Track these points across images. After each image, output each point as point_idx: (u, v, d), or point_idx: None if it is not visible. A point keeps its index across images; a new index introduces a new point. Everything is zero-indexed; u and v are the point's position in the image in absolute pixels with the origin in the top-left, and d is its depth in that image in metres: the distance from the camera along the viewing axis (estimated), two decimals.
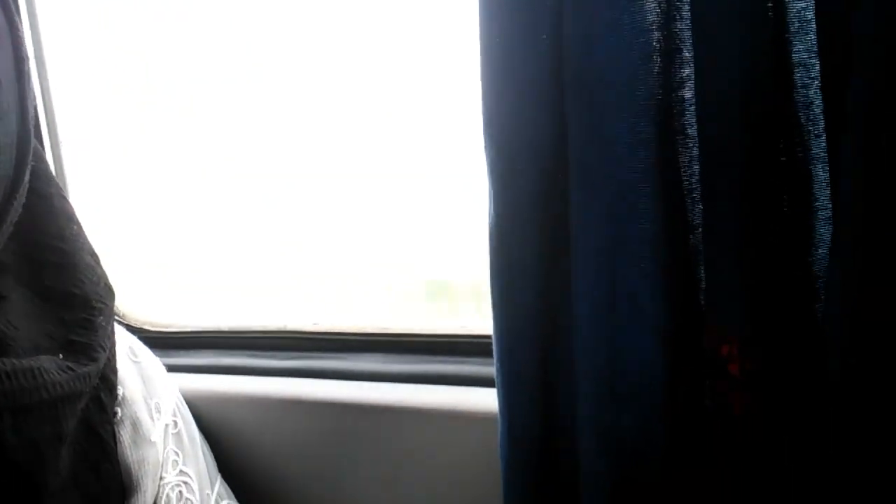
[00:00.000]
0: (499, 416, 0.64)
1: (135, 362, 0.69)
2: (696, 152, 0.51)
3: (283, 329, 0.99)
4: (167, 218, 1.20)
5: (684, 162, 0.51)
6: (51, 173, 0.62)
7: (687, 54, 0.49)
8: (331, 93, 1.01)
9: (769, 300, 0.48)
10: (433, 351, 0.87)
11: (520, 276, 0.60)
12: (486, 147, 0.58)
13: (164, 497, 0.65)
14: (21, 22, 0.54)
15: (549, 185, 0.56)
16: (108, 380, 0.61)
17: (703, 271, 0.51)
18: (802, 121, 0.48)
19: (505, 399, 0.63)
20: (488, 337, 0.83)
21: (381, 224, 1.04)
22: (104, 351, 0.59)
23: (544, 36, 0.53)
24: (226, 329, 1.05)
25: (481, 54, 0.57)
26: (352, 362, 0.90)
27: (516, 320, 0.61)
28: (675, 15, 0.49)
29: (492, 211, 0.60)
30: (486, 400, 0.74)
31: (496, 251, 0.61)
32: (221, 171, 1.14)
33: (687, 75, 0.49)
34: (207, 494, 0.72)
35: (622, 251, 0.51)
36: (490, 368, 0.79)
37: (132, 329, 0.96)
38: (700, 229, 0.50)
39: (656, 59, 0.49)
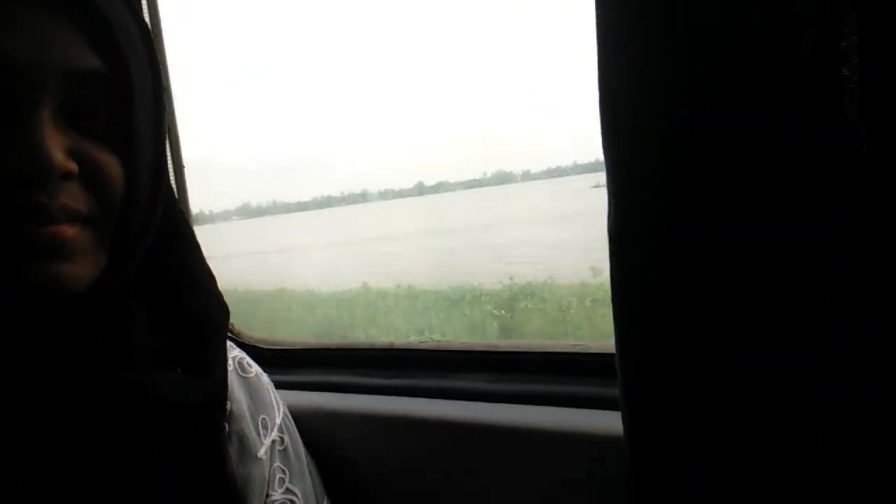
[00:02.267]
0: (625, 438, 0.58)
1: (243, 377, 0.68)
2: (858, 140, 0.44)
3: (390, 346, 0.97)
4: None
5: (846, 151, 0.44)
6: (174, 196, 0.64)
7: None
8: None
9: None
10: (543, 370, 0.82)
11: (643, 286, 0.54)
12: (604, 144, 0.54)
13: None
14: (158, 59, 0.56)
15: (677, 188, 0.50)
16: (218, 396, 0.61)
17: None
18: None
19: (631, 421, 0.57)
20: (602, 355, 0.79)
21: None
22: (219, 367, 0.60)
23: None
24: (334, 346, 1.05)
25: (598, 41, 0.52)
26: (459, 381, 0.87)
27: (640, 333, 0.56)
28: None
29: (612, 215, 0.55)
30: (603, 422, 0.70)
31: (617, 259, 0.56)
32: None
33: (846, 48, 0.42)
34: None
35: (764, 259, 0.46)
36: (604, 389, 0.74)
37: (244, 346, 0.97)
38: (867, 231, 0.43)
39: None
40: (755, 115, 0.46)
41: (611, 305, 0.58)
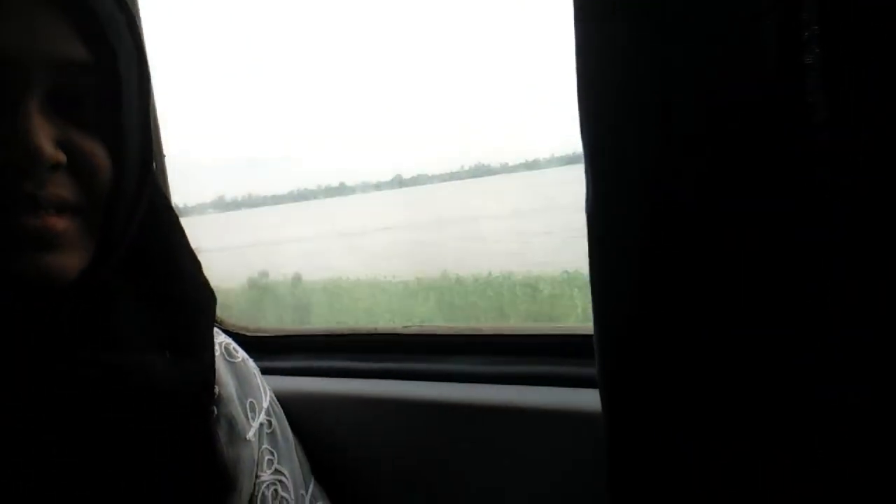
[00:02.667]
0: (602, 414, 0.60)
1: (230, 362, 0.69)
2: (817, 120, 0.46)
3: (373, 331, 0.98)
4: None
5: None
6: (158, 183, 0.64)
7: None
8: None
9: None
10: (525, 351, 0.84)
11: (622, 269, 0.56)
12: (582, 128, 0.56)
13: (259, 495, 0.65)
14: (145, 48, 0.57)
15: (653, 168, 0.52)
16: (207, 379, 0.61)
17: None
18: None
19: (608, 398, 0.59)
20: (581, 336, 0.81)
21: None
22: (207, 351, 0.61)
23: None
24: (318, 332, 1.06)
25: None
26: (443, 364, 0.88)
27: (618, 316, 0.58)
28: None
29: (589, 197, 0.57)
30: (583, 399, 0.72)
31: (595, 241, 0.57)
32: None
33: (808, 37, 0.44)
34: (302, 495, 0.72)
35: (737, 237, 0.47)
36: (583, 369, 0.76)
37: (229, 334, 0.98)
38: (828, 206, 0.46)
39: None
40: (724, 103, 0.48)
41: (589, 286, 0.60)
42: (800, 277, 0.49)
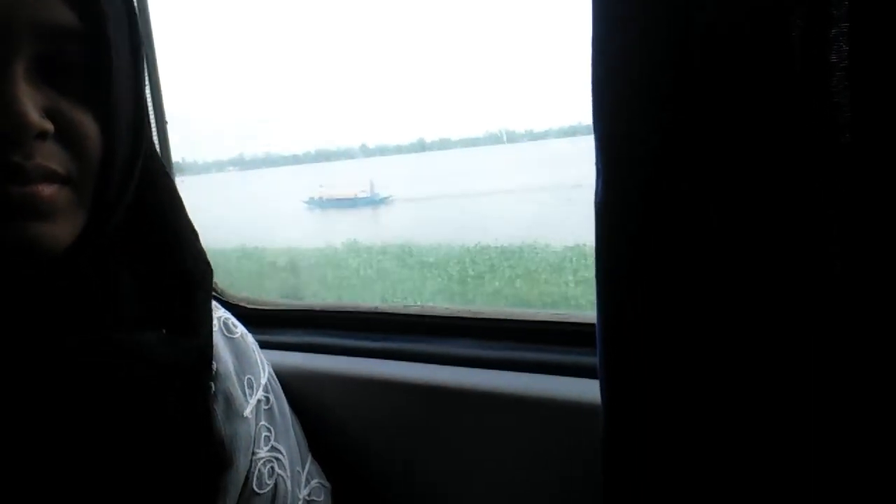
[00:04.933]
0: (601, 407, 0.60)
1: (229, 338, 0.69)
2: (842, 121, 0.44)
3: (375, 309, 0.98)
4: None
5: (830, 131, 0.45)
6: (156, 152, 0.63)
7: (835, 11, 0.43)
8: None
9: None
10: (526, 337, 0.84)
11: (627, 257, 0.55)
12: (594, 116, 0.55)
13: (255, 472, 0.65)
14: (136, 11, 0.55)
15: (665, 159, 0.51)
16: (204, 355, 0.61)
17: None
18: None
19: (608, 390, 0.59)
20: (583, 325, 0.80)
21: None
22: (205, 326, 0.60)
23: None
24: (319, 308, 1.05)
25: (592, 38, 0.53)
26: (443, 346, 0.88)
27: (622, 305, 0.57)
28: None
29: (599, 186, 0.56)
30: (582, 390, 0.72)
31: (602, 229, 0.56)
32: None
33: (835, 35, 0.43)
34: (298, 471, 0.72)
35: (750, 231, 0.46)
36: (584, 358, 0.76)
37: (228, 306, 0.98)
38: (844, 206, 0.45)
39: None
40: (743, 98, 0.47)
41: (594, 277, 0.59)
42: (806, 275, 0.49)
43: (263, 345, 0.75)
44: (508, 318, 0.86)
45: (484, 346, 0.85)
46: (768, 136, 0.47)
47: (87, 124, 0.50)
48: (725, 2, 0.46)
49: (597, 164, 0.56)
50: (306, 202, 3.33)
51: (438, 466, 0.80)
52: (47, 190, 0.47)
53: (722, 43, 0.47)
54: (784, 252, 0.49)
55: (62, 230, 0.49)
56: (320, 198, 3.30)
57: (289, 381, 0.81)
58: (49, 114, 0.47)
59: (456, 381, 0.79)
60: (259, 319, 1.04)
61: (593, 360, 0.62)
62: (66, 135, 0.49)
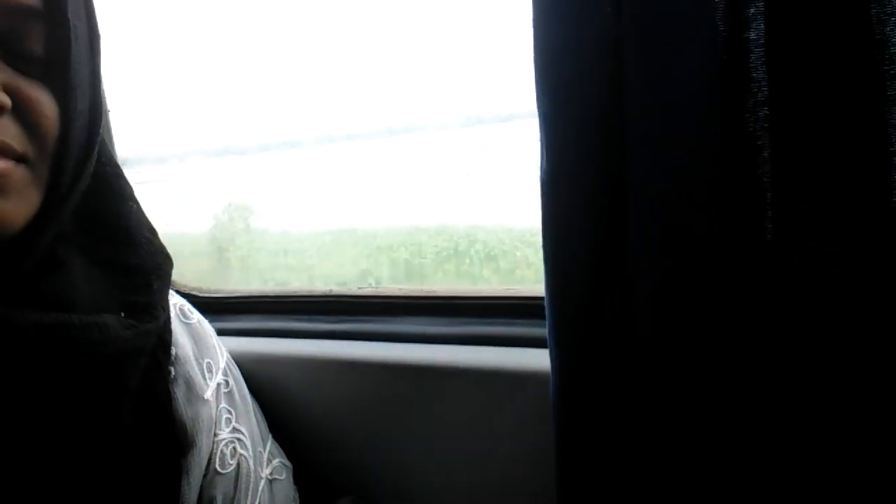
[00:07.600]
0: (550, 375, 0.63)
1: (186, 323, 0.69)
2: (761, 96, 0.48)
3: (328, 293, 0.99)
4: None
5: (749, 106, 0.48)
6: (110, 150, 0.63)
7: None
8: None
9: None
10: (478, 313, 0.86)
11: (573, 231, 0.58)
12: (538, 95, 0.57)
13: (218, 453, 0.66)
14: (94, 4, 0.56)
15: (607, 134, 0.54)
16: (163, 339, 0.62)
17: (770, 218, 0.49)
18: (879, 60, 0.45)
19: (557, 358, 0.62)
20: (532, 298, 0.83)
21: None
22: (163, 311, 0.60)
23: None
24: (272, 294, 1.06)
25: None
26: (397, 325, 0.90)
27: (569, 276, 0.60)
28: None
29: (543, 163, 0.58)
30: (533, 359, 0.74)
31: (549, 205, 0.59)
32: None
33: (753, 13, 0.46)
34: (260, 452, 0.73)
35: (686, 200, 0.49)
36: (534, 329, 0.79)
37: (182, 295, 0.97)
38: (767, 176, 0.48)
39: None
40: (669, 79, 0.50)
41: (541, 249, 0.62)
42: (746, 252, 0.51)
43: (220, 332, 0.76)
44: (461, 294, 0.88)
45: (437, 322, 0.87)
46: (692, 111, 0.50)
47: (45, 104, 0.50)
48: None
49: (540, 138, 0.59)
50: None
51: (397, 442, 0.82)
52: (2, 164, 0.47)
53: (654, 27, 0.50)
54: (719, 231, 0.52)
55: (16, 208, 0.49)
56: None
57: (247, 366, 0.81)
58: (6, 90, 0.47)
59: (410, 358, 0.81)
60: (213, 307, 1.04)
61: (543, 331, 0.64)
62: (23, 112, 0.49)
